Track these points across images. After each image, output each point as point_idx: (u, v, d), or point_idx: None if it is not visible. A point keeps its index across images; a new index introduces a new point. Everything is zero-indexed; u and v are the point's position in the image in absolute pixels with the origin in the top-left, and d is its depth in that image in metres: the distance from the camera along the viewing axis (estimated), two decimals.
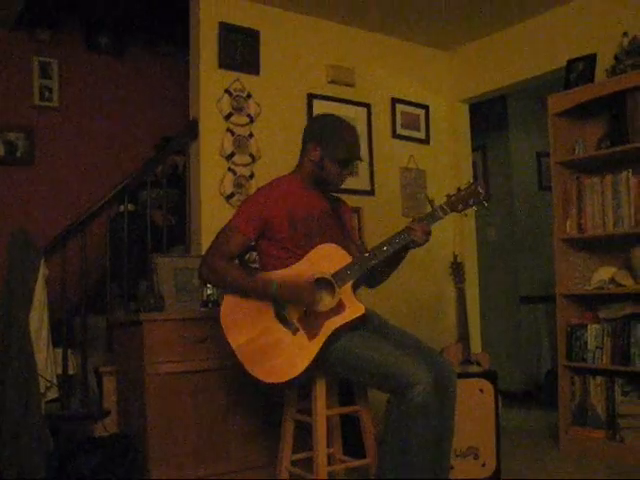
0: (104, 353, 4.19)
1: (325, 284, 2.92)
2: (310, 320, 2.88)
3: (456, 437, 3.01)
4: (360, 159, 3.22)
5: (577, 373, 4.39)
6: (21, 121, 5.36)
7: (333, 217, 3.18)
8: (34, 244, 3.70)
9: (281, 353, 2.87)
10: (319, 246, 2.98)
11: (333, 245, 2.99)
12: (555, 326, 4.52)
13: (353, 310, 2.89)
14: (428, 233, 2.93)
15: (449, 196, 2.96)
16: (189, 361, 3.59)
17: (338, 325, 2.86)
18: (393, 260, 3.09)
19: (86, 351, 4.08)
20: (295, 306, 2.90)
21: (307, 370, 2.85)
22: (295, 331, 2.88)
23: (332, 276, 2.90)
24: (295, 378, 2.85)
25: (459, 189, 2.97)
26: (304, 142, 3.16)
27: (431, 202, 2.97)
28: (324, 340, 2.84)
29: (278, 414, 3.30)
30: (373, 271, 3.14)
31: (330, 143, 3.07)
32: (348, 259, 2.95)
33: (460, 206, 2.94)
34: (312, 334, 2.86)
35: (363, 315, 2.91)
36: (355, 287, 2.98)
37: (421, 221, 2.93)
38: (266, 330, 2.92)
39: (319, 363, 2.87)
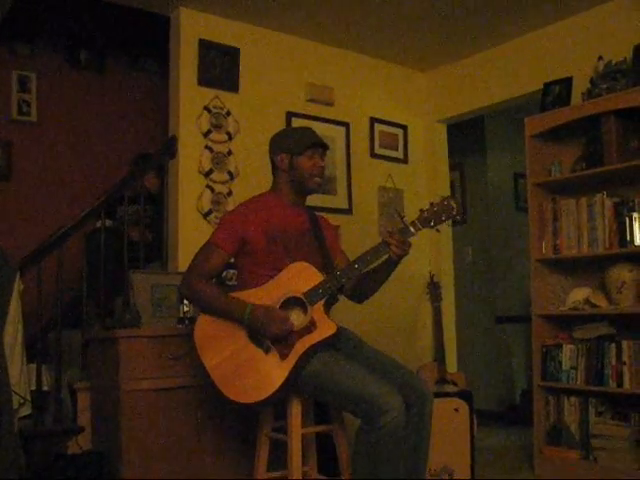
0: (79, 369, 4.16)
1: (297, 303, 2.92)
2: (282, 340, 2.87)
3: (431, 456, 3.02)
4: (323, 141, 3.21)
5: (552, 393, 4.42)
6: None
7: (312, 234, 3.17)
8: (10, 259, 3.68)
9: (253, 373, 2.87)
10: (291, 265, 2.98)
11: (305, 263, 2.98)
12: (530, 346, 4.54)
13: (325, 329, 2.88)
14: (406, 245, 2.89)
15: (422, 211, 2.92)
16: (165, 378, 3.57)
17: (310, 344, 2.85)
18: (375, 276, 3.10)
19: (61, 367, 4.04)
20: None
21: (280, 390, 2.84)
22: (267, 350, 2.88)
23: (304, 295, 2.90)
24: (268, 398, 2.84)
25: (431, 204, 2.93)
26: (272, 161, 3.21)
27: (402, 218, 2.94)
28: (296, 359, 2.84)
29: (253, 432, 3.29)
30: (356, 287, 3.16)
31: (290, 141, 3.15)
32: (320, 277, 2.94)
33: (433, 222, 2.89)
34: (284, 354, 2.85)
35: (335, 334, 2.90)
36: (328, 305, 2.99)
37: (394, 235, 2.89)
38: (239, 350, 2.92)
39: (291, 383, 2.86)
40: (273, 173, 3.24)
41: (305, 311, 2.90)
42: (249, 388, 2.86)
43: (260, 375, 2.85)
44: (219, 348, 2.94)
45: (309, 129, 3.32)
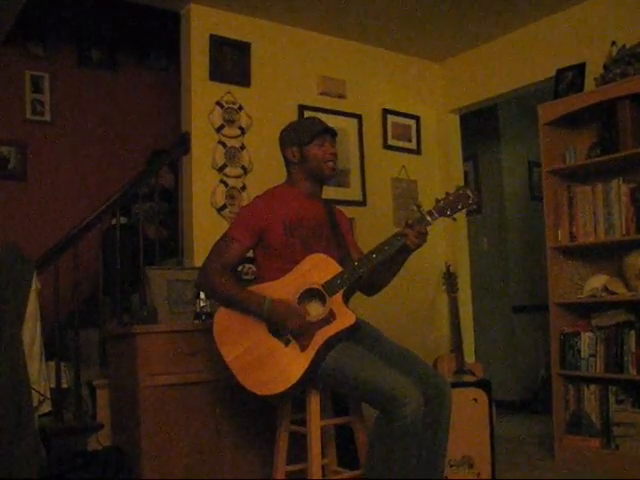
0: (97, 366, 4.18)
1: (315, 294, 2.93)
2: (302, 331, 2.87)
3: (450, 447, 3.01)
4: (330, 127, 3.21)
5: (571, 381, 4.40)
6: (13, 135, 5.35)
7: (329, 225, 3.18)
8: (26, 258, 3.70)
9: (274, 365, 2.87)
10: (309, 256, 2.98)
11: (323, 255, 2.98)
12: (548, 334, 4.52)
13: (344, 320, 2.88)
14: (423, 234, 2.89)
15: (437, 201, 2.93)
16: (182, 373, 3.57)
17: (329, 335, 2.86)
18: (391, 266, 3.08)
19: (79, 364, 4.06)
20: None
21: (300, 382, 2.84)
22: (287, 342, 2.88)
23: (322, 286, 2.90)
24: (288, 390, 2.85)
25: (447, 194, 2.94)
26: (284, 156, 3.23)
27: (419, 207, 2.94)
28: (316, 350, 2.84)
29: (272, 425, 3.30)
30: (371, 279, 3.15)
31: (298, 133, 3.16)
32: (338, 268, 2.94)
33: (449, 211, 2.91)
34: (304, 345, 2.85)
35: (354, 324, 2.90)
36: (347, 297, 2.98)
37: (412, 226, 2.90)
38: (259, 342, 2.92)
39: (311, 375, 2.86)
40: (287, 168, 3.25)
41: (324, 302, 2.90)
42: (269, 380, 2.86)
43: (280, 367, 2.86)
44: (238, 341, 2.95)
45: (315, 118, 3.33)
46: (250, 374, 2.90)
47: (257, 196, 3.21)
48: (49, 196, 5.44)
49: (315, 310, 2.92)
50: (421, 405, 2.68)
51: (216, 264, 3.03)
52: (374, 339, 3.10)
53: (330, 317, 2.88)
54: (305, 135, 3.13)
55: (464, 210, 2.95)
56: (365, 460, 2.90)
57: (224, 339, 2.98)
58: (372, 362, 2.83)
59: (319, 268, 2.95)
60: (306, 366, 2.83)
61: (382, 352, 3.00)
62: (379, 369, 2.78)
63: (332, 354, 2.86)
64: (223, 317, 3.02)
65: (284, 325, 2.86)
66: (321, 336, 2.86)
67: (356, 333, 3.00)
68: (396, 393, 2.66)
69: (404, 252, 2.99)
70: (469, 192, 2.92)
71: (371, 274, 3.13)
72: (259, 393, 2.88)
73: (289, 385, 2.83)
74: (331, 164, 3.14)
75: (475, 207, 3.00)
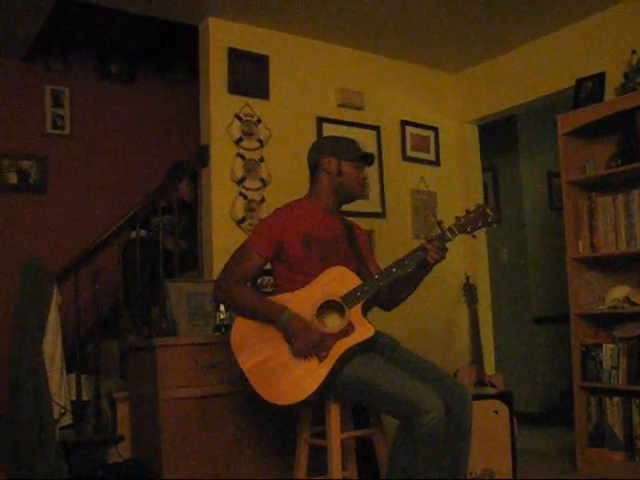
0: (117, 379, 4.19)
1: (334, 306, 2.93)
2: (320, 342, 2.87)
3: (472, 459, 2.99)
4: (373, 156, 3.29)
5: (593, 393, 4.35)
6: (34, 149, 5.40)
7: (347, 241, 3.19)
8: (47, 271, 3.73)
9: (291, 376, 2.87)
10: (329, 269, 2.99)
11: (343, 267, 3.00)
12: (569, 346, 4.49)
13: (363, 331, 2.89)
14: (443, 250, 2.94)
15: (458, 218, 2.98)
16: (203, 386, 3.57)
17: (348, 347, 2.86)
18: (410, 282, 3.10)
19: (99, 377, 4.08)
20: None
21: (317, 393, 2.84)
22: None
23: (341, 298, 2.90)
24: (304, 401, 2.85)
25: (467, 211, 2.99)
26: (316, 164, 3.20)
27: (439, 223, 2.97)
28: (334, 362, 2.84)
29: (292, 438, 3.28)
30: (390, 294, 3.16)
31: (343, 147, 3.19)
32: (358, 281, 2.95)
33: (469, 228, 2.96)
34: (322, 356, 2.85)
35: (373, 336, 2.90)
36: (365, 310, 2.98)
37: (432, 241, 2.93)
38: (276, 353, 2.92)
39: (330, 387, 2.86)
40: (313, 177, 3.24)
41: (342, 315, 2.90)
42: (286, 390, 2.86)
43: (298, 377, 2.86)
44: (256, 351, 2.95)
45: (357, 141, 3.36)
46: (267, 384, 2.90)
47: (277, 209, 3.22)
48: (69, 209, 5.48)
49: (333, 322, 2.92)
50: (442, 413, 2.68)
51: (233, 274, 3.05)
52: (392, 349, 3.11)
53: (349, 329, 2.88)
54: (347, 152, 3.18)
55: (484, 228, 2.99)
56: (387, 471, 2.89)
57: (241, 348, 2.99)
58: (392, 372, 2.84)
59: (339, 280, 2.96)
60: (323, 377, 2.83)
61: (401, 362, 3.01)
62: (399, 378, 2.79)
63: (351, 365, 2.87)
64: (241, 326, 3.03)
65: (299, 342, 2.86)
66: (339, 348, 2.86)
67: (374, 344, 3.01)
68: (417, 402, 2.67)
69: (424, 268, 3.01)
70: (489, 210, 2.98)
71: (390, 289, 3.14)
72: (276, 402, 2.87)
73: (305, 396, 2.83)
74: (361, 188, 3.22)
75: (495, 225, 3.00)
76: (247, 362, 2.95)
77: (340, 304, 2.90)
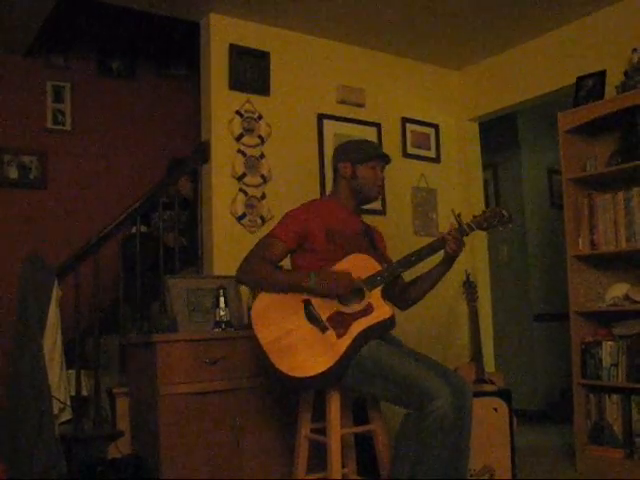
0: (117, 374, 4.19)
1: (355, 291, 3.01)
2: (339, 320, 2.94)
3: (471, 456, 2.99)
4: (385, 154, 3.37)
5: (592, 391, 4.36)
6: (34, 144, 5.40)
7: (367, 240, 3.30)
8: (47, 266, 3.73)
9: (309, 350, 2.92)
10: (352, 255, 3.09)
11: (365, 255, 3.11)
12: (569, 344, 4.49)
13: (381, 312, 2.97)
14: (461, 242, 3.07)
15: (475, 216, 3.12)
16: (202, 382, 3.57)
17: (366, 325, 2.94)
18: (429, 278, 3.24)
19: (99, 372, 4.08)
20: (327, 302, 2.97)
21: (334, 369, 2.87)
22: (324, 329, 2.94)
23: (362, 281, 3.00)
24: (320, 374, 2.86)
25: (484, 211, 3.17)
26: (335, 170, 3.35)
27: (458, 218, 3.09)
28: (352, 339, 2.90)
29: (292, 434, 3.29)
30: (408, 291, 3.31)
31: (356, 151, 3.30)
32: (378, 267, 3.06)
33: (485, 224, 3.11)
34: (340, 333, 2.91)
35: (390, 317, 2.98)
36: (383, 295, 3.05)
37: (451, 232, 3.06)
38: (296, 328, 2.97)
39: (346, 363, 2.89)
40: (335, 180, 3.37)
41: (362, 297, 2.99)
42: (305, 363, 2.89)
43: (316, 351, 2.90)
44: (276, 325, 2.99)
45: (374, 142, 3.53)
46: (284, 356, 2.92)
47: (302, 204, 3.32)
48: (69, 205, 5.48)
49: (353, 302, 3.00)
50: (450, 401, 2.71)
51: (257, 257, 3.13)
52: (397, 345, 3.15)
53: (368, 309, 2.97)
54: (361, 154, 3.28)
55: (499, 227, 3.14)
56: (391, 463, 2.93)
57: (261, 323, 3.03)
58: (403, 357, 2.91)
59: (360, 266, 3.05)
60: (342, 352, 2.88)
61: (408, 353, 3.07)
62: (412, 364, 2.86)
63: (367, 346, 2.93)
64: (262, 302, 3.08)
65: (336, 287, 2.96)
66: (358, 325, 2.93)
67: (385, 337, 3.07)
68: (428, 387, 2.73)
69: (444, 264, 3.17)
70: (504, 211, 3.16)
71: (408, 285, 3.30)
72: (290, 374, 2.88)
73: (323, 369, 2.86)
74: (377, 188, 3.31)
75: (510, 226, 3.21)
76: (266, 337, 2.98)
77: (361, 288, 2.99)
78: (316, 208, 3.27)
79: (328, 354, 2.88)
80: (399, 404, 2.88)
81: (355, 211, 3.36)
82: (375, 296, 2.99)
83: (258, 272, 3.09)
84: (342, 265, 3.05)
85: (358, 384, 3.00)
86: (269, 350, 2.95)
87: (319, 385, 3.02)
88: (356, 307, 2.97)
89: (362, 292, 2.99)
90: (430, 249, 3.08)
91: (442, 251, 3.12)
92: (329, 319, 2.95)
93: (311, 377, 2.87)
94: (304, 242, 3.15)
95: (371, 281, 3.01)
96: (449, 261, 3.15)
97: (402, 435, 2.82)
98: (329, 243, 3.13)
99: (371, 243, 3.30)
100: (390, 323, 3.00)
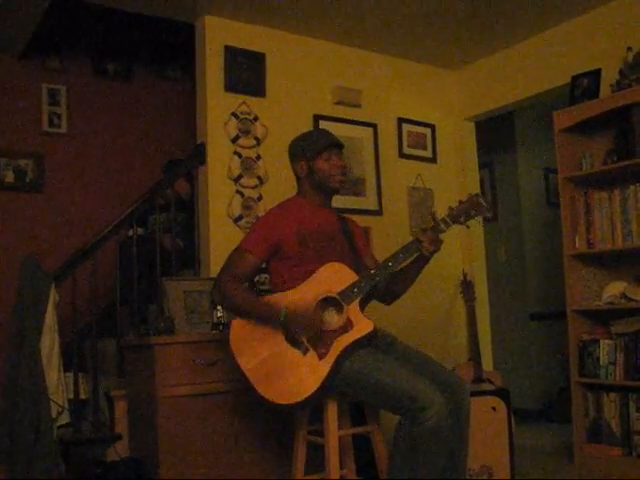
0: (115, 377, 4.19)
1: (332, 303, 2.93)
2: (320, 340, 2.87)
3: (469, 456, 2.99)
4: (336, 141, 3.23)
5: (590, 389, 4.36)
6: (30, 148, 5.38)
7: (342, 234, 3.20)
8: (44, 270, 3.73)
9: (292, 374, 2.87)
10: (325, 265, 2.99)
11: (339, 264, 3.00)
12: (567, 342, 4.49)
13: (362, 327, 2.89)
14: (437, 241, 2.95)
15: (450, 209, 2.99)
16: (200, 383, 3.57)
17: (348, 343, 2.86)
18: (407, 275, 3.13)
19: (97, 375, 4.08)
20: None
21: (319, 391, 2.83)
22: (305, 351, 2.88)
23: (339, 294, 2.91)
24: (307, 399, 2.84)
25: (460, 202, 3.00)
26: (293, 170, 3.26)
27: (433, 215, 2.99)
28: (334, 359, 2.83)
29: (290, 436, 3.29)
30: (388, 287, 3.18)
31: (305, 146, 3.19)
32: (354, 277, 2.95)
33: (462, 217, 2.97)
34: (322, 354, 2.85)
35: (372, 332, 2.90)
36: (363, 305, 2.98)
37: (426, 233, 2.94)
38: (276, 352, 2.92)
39: (330, 383, 2.85)
40: (297, 180, 3.28)
41: (340, 311, 2.90)
42: (288, 389, 2.85)
43: (299, 376, 2.85)
44: (255, 351, 2.94)
45: (322, 131, 3.40)
46: (269, 384, 2.89)
47: (270, 209, 3.25)
48: (66, 207, 5.47)
49: (332, 318, 2.92)
50: (443, 408, 2.67)
51: (230, 275, 3.04)
52: (389, 344, 3.11)
53: (348, 325, 2.89)
54: (312, 149, 3.16)
55: (477, 217, 2.99)
56: (388, 468, 2.89)
57: (241, 349, 2.98)
58: (391, 367, 2.83)
59: (335, 277, 2.96)
60: (325, 374, 2.82)
61: (399, 356, 3.02)
62: (399, 373, 2.78)
63: (351, 361, 2.86)
64: (239, 326, 3.02)
65: (307, 327, 2.85)
66: (339, 344, 2.86)
67: (373, 338, 2.99)
68: (418, 397, 2.66)
69: (420, 261, 3.04)
70: (481, 200, 2.99)
71: (388, 283, 3.15)
72: (277, 402, 2.86)
73: (309, 394, 2.82)
74: (338, 177, 3.17)
75: (489, 215, 3.06)
76: (248, 363, 2.94)
77: (338, 300, 2.91)
78: (285, 212, 3.14)
79: (311, 377, 2.83)
80: (392, 412, 2.82)
81: (325, 205, 3.23)
82: (354, 310, 2.90)
83: (229, 296, 3.01)
84: (315, 277, 2.97)
85: (349, 395, 2.99)
86: (253, 378, 2.92)
87: (308, 406, 3.01)
88: (336, 323, 2.89)
89: (341, 306, 2.91)
90: (406, 252, 2.96)
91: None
92: (310, 340, 2.87)
93: (298, 402, 2.84)
94: (277, 250, 3.06)
95: (348, 294, 2.90)
96: (425, 260, 3.04)
97: (398, 442, 2.76)
98: (302, 247, 3.04)
99: (349, 241, 3.21)
100: (372, 337, 2.92)
